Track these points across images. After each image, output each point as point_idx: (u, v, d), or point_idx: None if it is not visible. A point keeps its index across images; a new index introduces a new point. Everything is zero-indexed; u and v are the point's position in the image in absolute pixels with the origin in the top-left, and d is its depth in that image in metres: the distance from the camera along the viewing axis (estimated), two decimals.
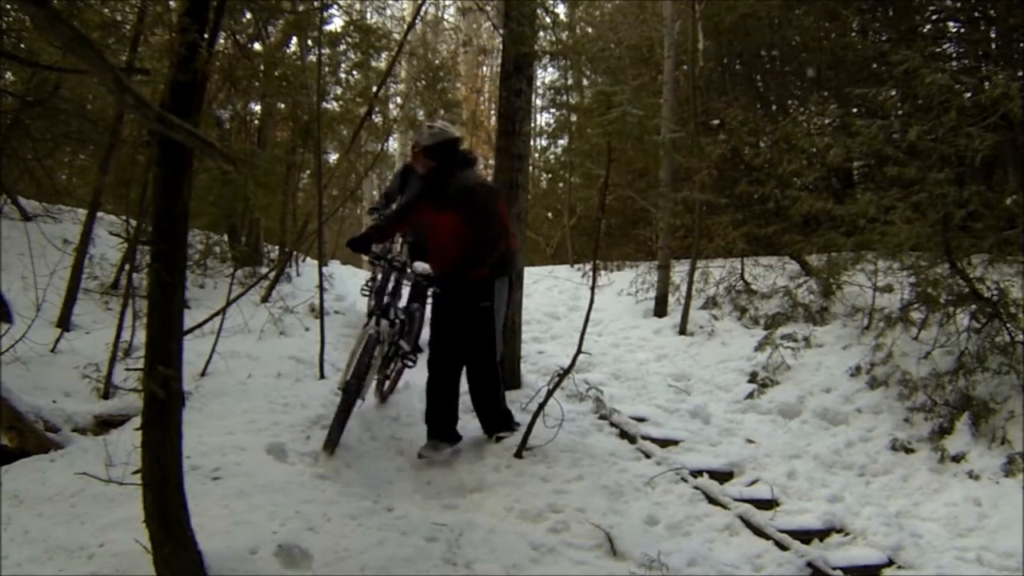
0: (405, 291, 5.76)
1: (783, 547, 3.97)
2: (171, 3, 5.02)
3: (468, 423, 4.99)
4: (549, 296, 10.27)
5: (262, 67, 6.76)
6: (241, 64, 5.88)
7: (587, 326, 5.32)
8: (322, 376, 5.56)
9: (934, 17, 9.83)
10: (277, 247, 9.49)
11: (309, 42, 8.17)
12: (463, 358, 4.77)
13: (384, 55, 9.12)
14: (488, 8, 8.02)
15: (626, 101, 4.41)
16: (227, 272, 7.66)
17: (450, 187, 4.59)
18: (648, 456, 5.08)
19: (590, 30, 15.31)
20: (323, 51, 7.40)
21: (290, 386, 5.30)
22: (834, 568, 3.84)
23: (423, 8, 11.72)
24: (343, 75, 8.82)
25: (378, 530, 3.58)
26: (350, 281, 9.45)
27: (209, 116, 7.36)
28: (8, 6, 5.19)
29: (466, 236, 4.53)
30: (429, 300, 4.99)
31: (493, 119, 14.75)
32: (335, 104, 8.99)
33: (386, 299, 5.15)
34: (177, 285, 2.81)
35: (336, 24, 9.23)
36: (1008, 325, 5.65)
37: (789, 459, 5.37)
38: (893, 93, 8.03)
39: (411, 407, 5.41)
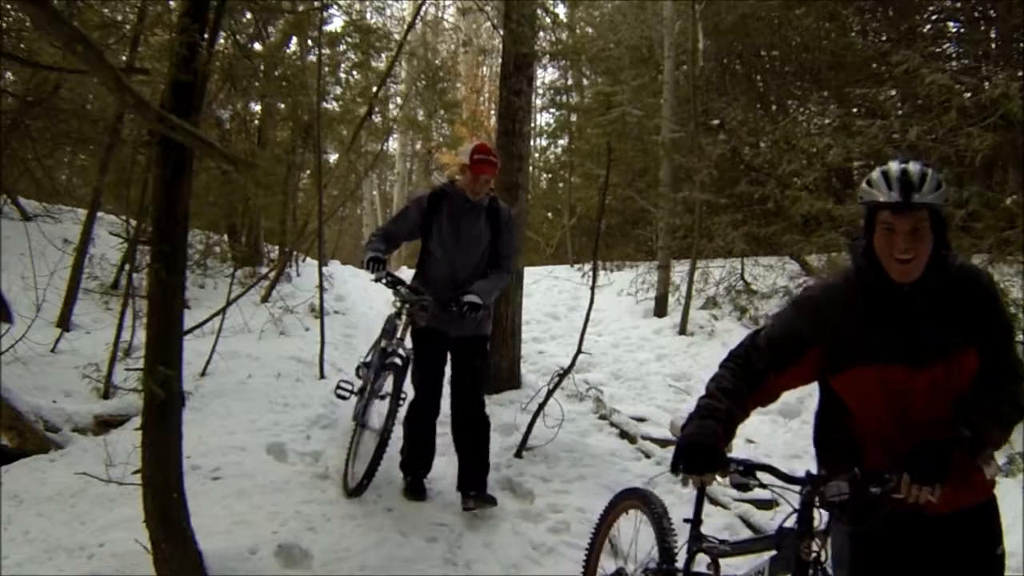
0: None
1: None
2: (171, 3, 5.03)
3: None
4: (549, 296, 10.27)
5: (262, 67, 6.75)
6: (241, 64, 5.87)
7: (587, 326, 5.33)
8: (322, 376, 5.55)
9: (934, 17, 9.82)
10: (277, 247, 9.49)
11: (309, 42, 8.18)
12: None
13: (384, 55, 9.12)
14: (488, 8, 8.01)
15: (626, 101, 4.41)
16: (227, 272, 7.66)
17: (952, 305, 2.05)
18: (648, 456, 5.09)
19: (590, 30, 15.29)
20: (323, 51, 7.41)
21: (290, 386, 5.30)
22: None
23: (423, 8, 11.71)
24: (343, 75, 8.82)
25: (378, 530, 3.58)
26: (350, 281, 9.45)
27: (209, 116, 7.36)
28: (8, 6, 5.19)
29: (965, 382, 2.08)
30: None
31: (493, 119, 14.74)
32: (335, 104, 8.99)
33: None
34: (177, 285, 2.81)
35: (336, 24, 9.21)
36: None
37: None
38: (893, 93, 8.03)
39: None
